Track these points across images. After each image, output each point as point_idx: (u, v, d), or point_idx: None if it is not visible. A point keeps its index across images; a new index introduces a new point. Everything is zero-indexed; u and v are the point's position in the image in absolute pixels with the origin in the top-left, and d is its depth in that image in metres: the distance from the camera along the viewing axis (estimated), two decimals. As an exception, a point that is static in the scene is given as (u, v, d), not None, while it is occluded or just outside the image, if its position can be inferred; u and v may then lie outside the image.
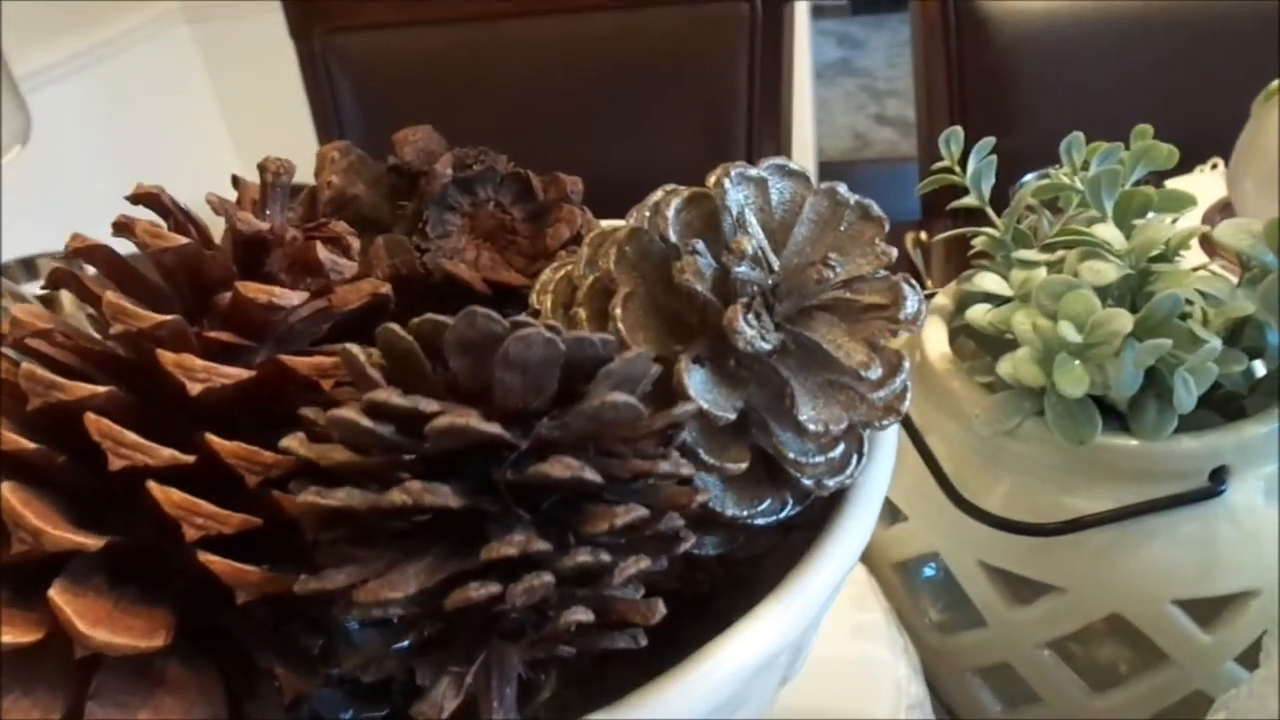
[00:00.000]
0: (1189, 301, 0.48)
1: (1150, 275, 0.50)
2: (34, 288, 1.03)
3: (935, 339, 0.56)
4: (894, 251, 0.30)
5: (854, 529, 0.31)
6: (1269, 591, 0.49)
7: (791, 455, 0.29)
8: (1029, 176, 0.87)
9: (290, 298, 0.28)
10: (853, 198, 0.30)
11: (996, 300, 0.54)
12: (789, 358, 0.29)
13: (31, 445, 0.25)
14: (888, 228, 0.31)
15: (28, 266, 0.97)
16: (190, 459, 0.26)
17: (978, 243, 0.58)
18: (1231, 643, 0.50)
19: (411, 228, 0.38)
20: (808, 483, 0.30)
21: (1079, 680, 0.53)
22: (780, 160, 0.31)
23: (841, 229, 0.30)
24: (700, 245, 0.29)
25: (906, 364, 0.29)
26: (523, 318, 0.24)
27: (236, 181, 0.32)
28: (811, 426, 0.28)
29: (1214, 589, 0.49)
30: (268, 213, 0.31)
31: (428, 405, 0.23)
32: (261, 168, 0.31)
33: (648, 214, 0.31)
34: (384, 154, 0.40)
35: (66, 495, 0.26)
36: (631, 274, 0.30)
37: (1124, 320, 0.45)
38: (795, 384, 0.29)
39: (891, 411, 0.30)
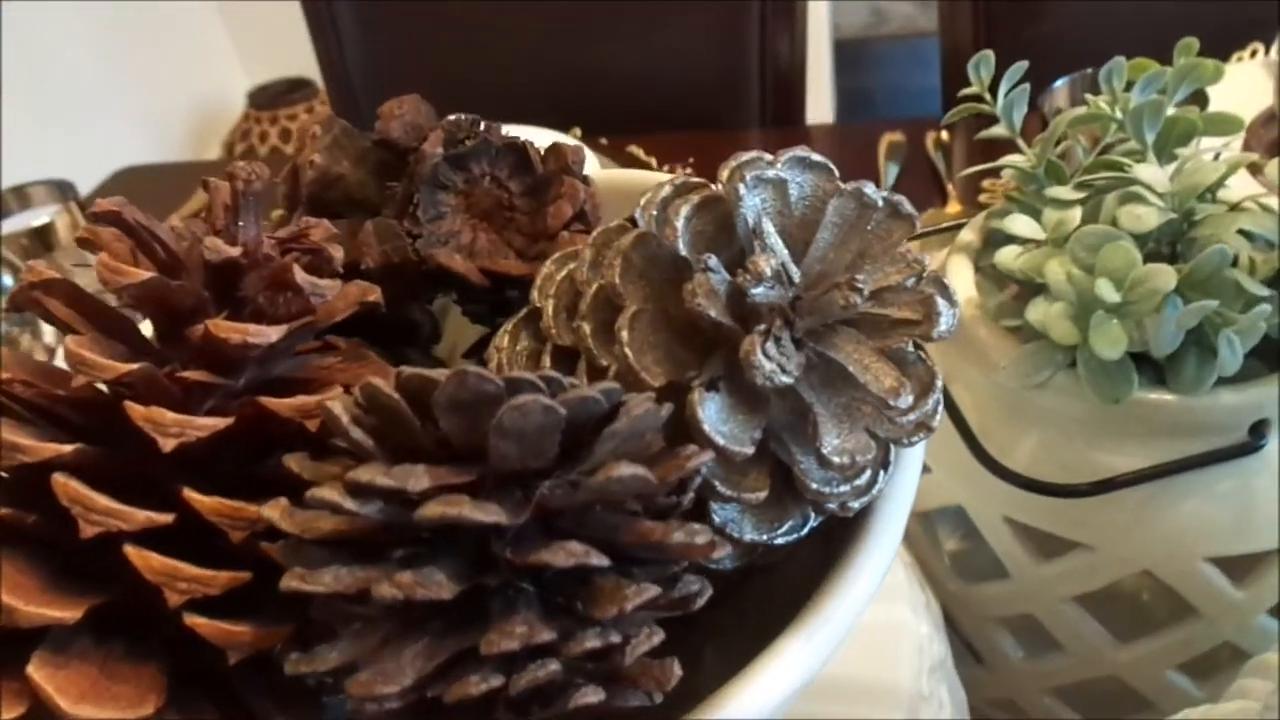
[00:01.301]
0: (1235, 250, 0.45)
1: (1193, 216, 0.47)
2: (27, 218, 1.00)
3: (961, 280, 0.53)
4: (926, 260, 0.27)
5: (878, 551, 0.29)
6: (1305, 546, 0.48)
7: (814, 485, 0.27)
8: (1060, 82, 0.83)
9: (266, 334, 0.25)
10: (880, 197, 0.27)
11: (1027, 241, 0.51)
12: (811, 374, 0.27)
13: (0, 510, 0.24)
14: (919, 225, 0.28)
15: (19, 196, 0.94)
16: (168, 518, 0.24)
17: (1006, 175, 0.55)
18: (1263, 597, 0.48)
19: (402, 210, 0.36)
20: (831, 506, 0.28)
21: (1104, 631, 0.52)
22: (800, 152, 0.29)
23: (868, 230, 0.28)
24: (713, 261, 0.26)
25: (940, 381, 0.27)
26: (519, 375, 0.22)
27: (207, 185, 0.29)
28: (836, 459, 0.26)
29: (1250, 546, 0.47)
30: (240, 224, 0.28)
31: (416, 483, 0.21)
32: (230, 175, 0.28)
33: (654, 214, 0.29)
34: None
35: (42, 558, 0.24)
36: (639, 285, 0.28)
37: (1166, 277, 0.42)
38: (818, 407, 0.26)
39: (922, 429, 0.27)
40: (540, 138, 1.13)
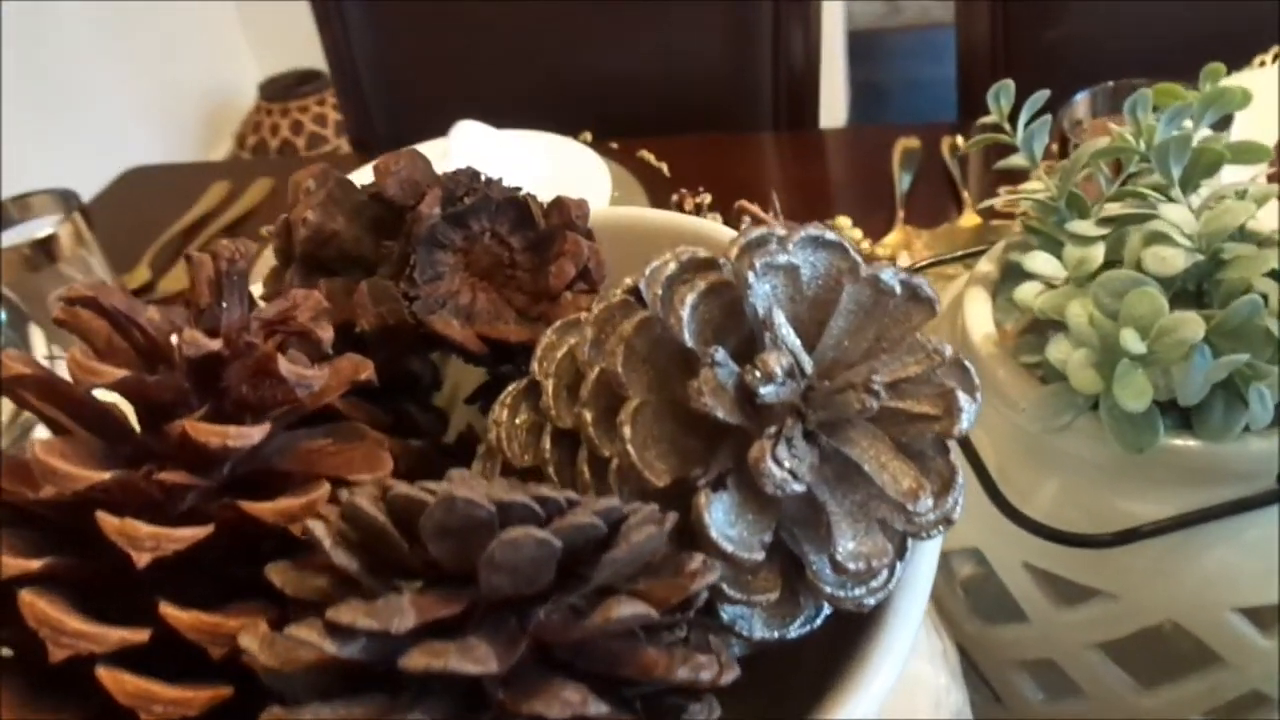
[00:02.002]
0: (1264, 294, 0.43)
1: (1220, 255, 0.45)
2: (30, 228, 0.99)
3: (979, 316, 0.51)
4: (946, 350, 0.25)
5: (896, 644, 0.28)
6: (1336, 596, 0.46)
7: (829, 589, 0.25)
8: (1080, 95, 0.80)
9: (248, 436, 0.24)
10: (898, 282, 0.26)
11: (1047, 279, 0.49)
12: (825, 468, 0.26)
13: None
14: (939, 310, 0.26)
15: (21, 205, 0.93)
16: (144, 636, 0.23)
17: (1025, 208, 0.53)
18: (1293, 647, 0.47)
19: (398, 270, 0.34)
20: (846, 607, 0.26)
21: (1127, 678, 0.50)
22: (814, 230, 0.27)
23: (885, 316, 0.26)
24: (720, 355, 0.25)
25: (960, 478, 0.26)
26: (513, 497, 0.21)
27: (190, 259, 0.28)
28: (850, 565, 0.24)
29: (1277, 595, 0.46)
30: (223, 305, 0.27)
31: (401, 622, 0.20)
32: (214, 254, 0.27)
33: (659, 294, 0.27)
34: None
35: (14, 674, 0.23)
36: (641, 372, 0.26)
37: (1195, 327, 0.40)
38: (831, 506, 0.25)
39: (943, 524, 0.26)
40: (549, 142, 1.11)
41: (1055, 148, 0.66)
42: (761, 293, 0.25)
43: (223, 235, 1.10)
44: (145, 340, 0.26)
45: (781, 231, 0.28)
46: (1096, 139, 0.51)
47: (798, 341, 0.25)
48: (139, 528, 0.23)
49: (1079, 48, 1.12)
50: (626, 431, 0.25)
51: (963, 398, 0.25)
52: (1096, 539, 0.45)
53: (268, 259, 1.02)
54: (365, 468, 0.27)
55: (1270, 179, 0.51)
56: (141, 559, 0.22)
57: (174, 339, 0.25)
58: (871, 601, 0.27)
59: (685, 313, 0.25)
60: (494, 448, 0.32)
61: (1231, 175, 0.51)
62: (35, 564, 0.22)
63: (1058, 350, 0.47)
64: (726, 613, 0.26)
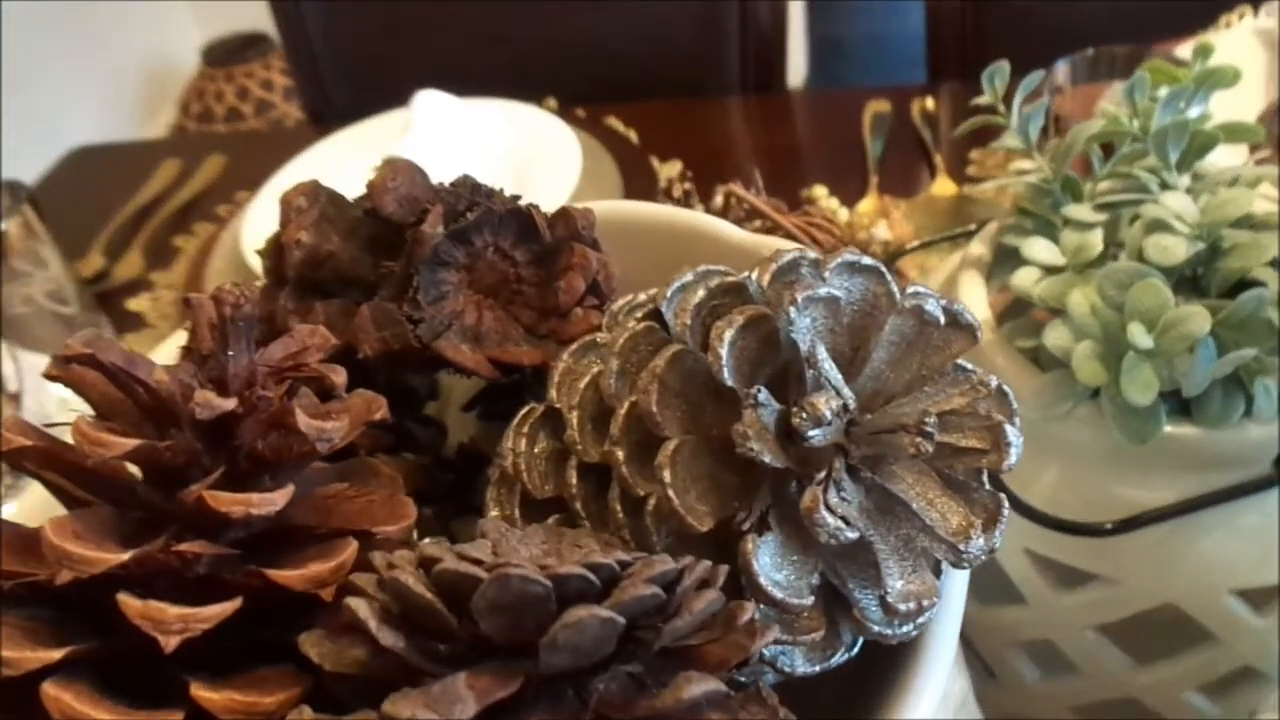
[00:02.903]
0: (1264, 283, 0.43)
1: (1219, 244, 0.45)
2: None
3: (974, 301, 0.51)
4: (992, 381, 0.25)
5: (935, 671, 0.27)
6: (1329, 574, 0.47)
7: (876, 628, 0.25)
8: (1060, 62, 0.80)
9: (272, 502, 0.23)
10: (941, 310, 0.25)
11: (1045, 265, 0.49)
12: (868, 501, 0.25)
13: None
14: (980, 337, 0.25)
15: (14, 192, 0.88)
16: (177, 718, 0.22)
17: (1017, 192, 0.53)
18: (1287, 624, 0.48)
19: (399, 292, 0.33)
20: (891, 643, 0.26)
21: (1124, 656, 0.51)
22: (849, 255, 0.26)
23: (927, 347, 0.25)
24: (763, 395, 0.24)
25: (1006, 509, 0.25)
26: (568, 570, 0.20)
27: (189, 303, 0.26)
28: (901, 606, 0.24)
29: (1274, 577, 0.46)
30: (230, 354, 0.25)
31: (462, 711, 0.19)
32: (217, 300, 0.25)
33: (688, 324, 0.26)
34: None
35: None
36: (675, 407, 0.26)
37: (1201, 321, 0.40)
38: (879, 545, 0.24)
39: (989, 554, 0.25)
40: (515, 111, 1.08)
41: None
42: (803, 327, 0.24)
43: (176, 218, 1.06)
44: (150, 398, 0.24)
45: (814, 255, 0.27)
46: (1090, 121, 0.50)
47: (839, 376, 0.24)
48: (165, 610, 0.21)
49: (1049, 5, 1.12)
50: (667, 475, 0.24)
51: (1011, 432, 0.24)
52: (1098, 528, 0.45)
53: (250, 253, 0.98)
54: (389, 518, 0.26)
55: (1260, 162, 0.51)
56: (169, 643, 0.21)
57: (180, 395, 0.24)
58: (915, 633, 0.26)
59: (725, 350, 0.24)
60: (510, 476, 0.31)
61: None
62: (57, 654, 0.21)
63: (1056, 337, 0.46)
64: (768, 651, 0.26)
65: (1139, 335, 0.40)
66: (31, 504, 0.38)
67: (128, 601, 0.21)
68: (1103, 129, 0.49)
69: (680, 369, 0.25)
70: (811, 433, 0.23)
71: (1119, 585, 0.47)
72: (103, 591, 0.22)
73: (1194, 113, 0.50)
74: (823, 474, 0.23)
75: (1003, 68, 0.51)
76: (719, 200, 0.78)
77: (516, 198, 0.35)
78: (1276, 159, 0.58)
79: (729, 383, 0.24)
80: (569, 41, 1.22)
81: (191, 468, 0.24)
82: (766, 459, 0.23)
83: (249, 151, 1.18)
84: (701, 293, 0.26)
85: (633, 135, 1.06)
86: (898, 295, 0.25)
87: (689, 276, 0.29)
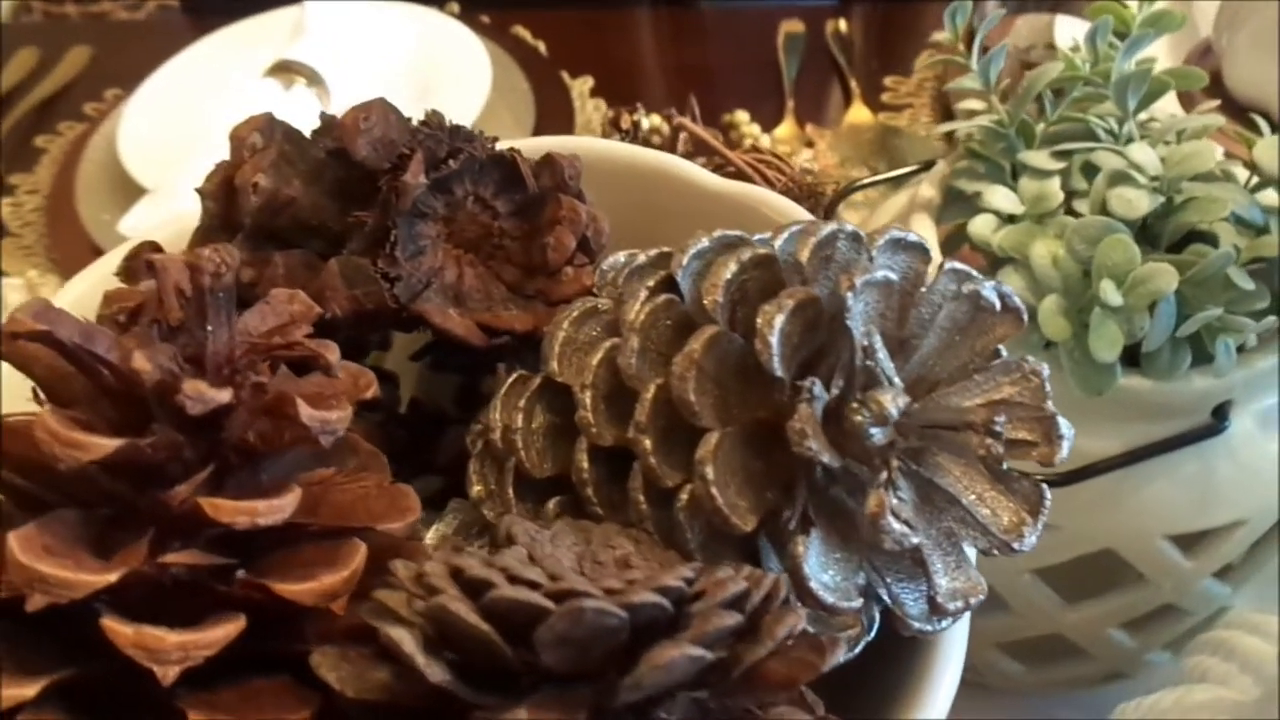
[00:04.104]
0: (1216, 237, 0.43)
1: (1178, 195, 0.45)
2: None
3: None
4: (1044, 370, 0.23)
5: (951, 666, 0.26)
6: (1256, 519, 0.49)
7: (916, 626, 0.24)
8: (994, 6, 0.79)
9: (281, 510, 0.20)
10: (996, 296, 0.24)
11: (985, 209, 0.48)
12: (916, 498, 0.24)
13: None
14: (1026, 319, 0.24)
15: None
16: (178, 759, 0.19)
17: (972, 131, 0.52)
18: (1210, 566, 0.50)
19: (372, 245, 0.29)
20: (926, 635, 0.25)
21: (1055, 596, 0.52)
22: (896, 232, 0.24)
23: (978, 334, 0.24)
24: (817, 388, 0.22)
25: (1048, 500, 0.24)
26: (642, 598, 0.18)
27: (153, 267, 0.22)
28: (951, 606, 0.23)
29: (1208, 523, 0.48)
30: (209, 329, 0.22)
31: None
32: (194, 267, 0.22)
33: (719, 301, 0.24)
34: None
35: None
36: (710, 394, 0.24)
37: (1169, 278, 0.40)
38: (927, 549, 0.23)
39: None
40: (416, 16, 1.01)
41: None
42: (858, 313, 0.22)
43: (36, 114, 0.97)
44: (118, 382, 0.21)
45: (851, 228, 0.25)
46: (1047, 65, 0.49)
47: (893, 366, 0.23)
48: (162, 639, 0.18)
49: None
50: (709, 472, 0.22)
51: (1063, 424, 0.23)
52: (1049, 480, 0.46)
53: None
54: (390, 511, 0.23)
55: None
56: (168, 674, 0.18)
57: (164, 384, 0.20)
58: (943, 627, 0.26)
59: (775, 339, 0.22)
60: (500, 450, 0.29)
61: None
62: (32, 689, 0.18)
63: (1010, 285, 0.46)
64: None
65: (1110, 292, 0.40)
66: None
67: (117, 629, 0.18)
68: (1060, 74, 0.49)
69: (716, 353, 0.23)
70: (874, 431, 0.21)
71: (1061, 530, 0.48)
72: (79, 610, 0.19)
73: (1138, 57, 0.50)
74: (884, 475, 0.22)
75: (965, 6, 0.49)
76: (630, 121, 0.75)
77: (494, 139, 0.32)
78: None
79: (778, 373, 0.22)
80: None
81: (171, 463, 0.21)
82: (825, 459, 0.21)
83: (116, 44, 1.08)
84: (733, 267, 0.24)
85: (541, 47, 1.01)
86: (962, 285, 0.24)
87: (705, 243, 0.27)
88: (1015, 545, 0.23)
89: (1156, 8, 0.50)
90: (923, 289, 0.24)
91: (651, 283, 0.27)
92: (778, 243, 0.26)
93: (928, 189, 0.53)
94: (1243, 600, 0.53)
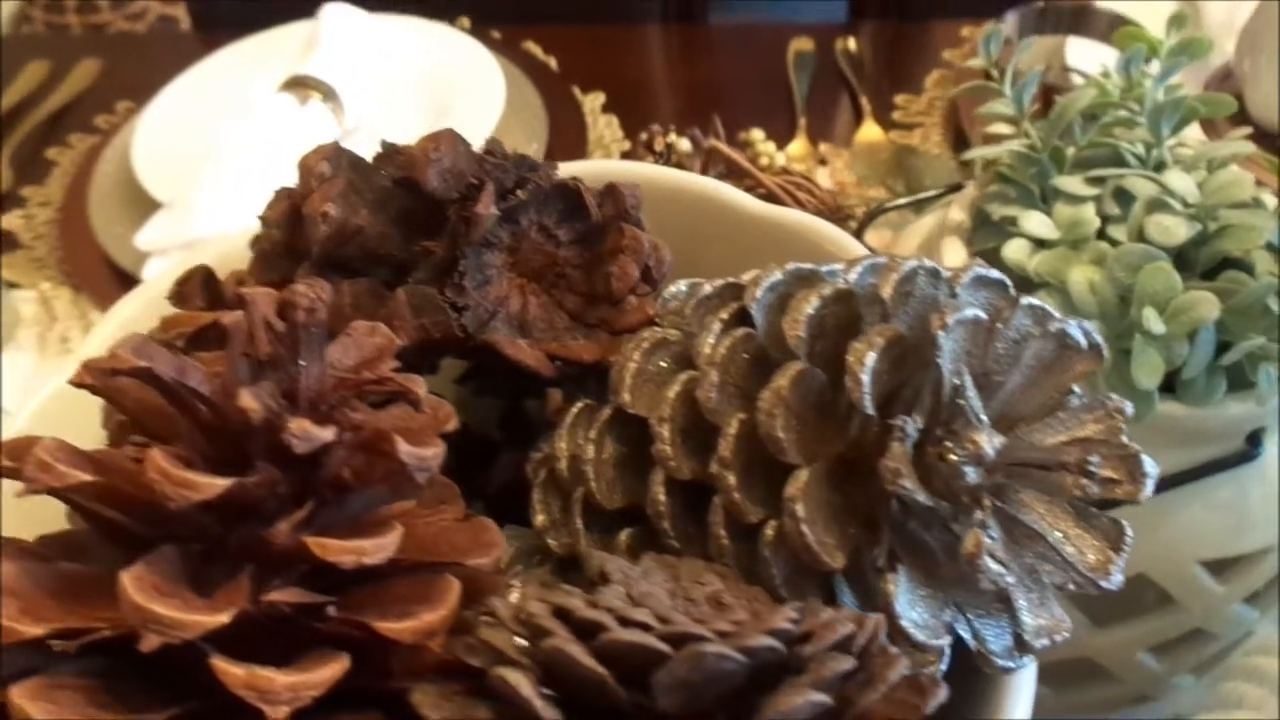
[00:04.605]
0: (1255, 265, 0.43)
1: (1214, 222, 0.45)
2: None
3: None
4: (1128, 408, 0.24)
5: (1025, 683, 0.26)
6: (1287, 542, 0.49)
7: (999, 662, 0.24)
8: (1009, 15, 0.79)
9: (385, 548, 0.20)
10: (1083, 336, 0.24)
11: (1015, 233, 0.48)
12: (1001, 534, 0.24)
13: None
14: (1107, 356, 0.24)
15: None
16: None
17: (1003, 156, 0.52)
18: (1242, 591, 0.50)
19: (438, 274, 0.30)
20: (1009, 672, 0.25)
21: (1084, 618, 0.52)
22: (978, 268, 0.24)
23: (1062, 371, 0.24)
24: (910, 427, 0.22)
25: (1129, 536, 0.24)
26: (757, 642, 0.18)
27: (243, 301, 0.22)
28: (1037, 644, 0.23)
29: (1241, 548, 0.48)
30: (301, 363, 0.22)
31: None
32: (288, 302, 0.22)
33: (802, 336, 0.24)
34: None
35: None
36: (795, 431, 0.24)
37: (1210, 307, 0.41)
38: (1013, 586, 0.23)
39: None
40: (430, 31, 1.02)
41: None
42: (949, 352, 0.22)
43: (47, 126, 0.97)
44: (214, 416, 0.21)
45: (930, 264, 0.25)
46: (1080, 91, 0.50)
47: (980, 403, 0.23)
48: (272, 679, 0.18)
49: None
50: (800, 509, 0.22)
51: (1147, 462, 0.23)
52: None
53: (112, 177, 0.90)
54: (475, 546, 0.23)
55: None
56: (278, 714, 0.18)
57: (249, 411, 0.20)
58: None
59: (867, 377, 0.22)
60: (566, 480, 0.29)
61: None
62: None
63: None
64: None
65: (1152, 320, 0.40)
66: None
67: (228, 670, 0.18)
68: (1093, 101, 0.49)
69: (803, 390, 0.23)
70: (969, 471, 0.21)
71: (1093, 555, 0.48)
72: (190, 657, 0.19)
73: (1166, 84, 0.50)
74: (978, 514, 0.22)
75: (998, 32, 0.50)
76: (664, 142, 0.75)
77: (551, 165, 0.32)
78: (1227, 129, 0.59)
79: (869, 411, 0.23)
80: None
81: (268, 500, 0.21)
82: (920, 498, 0.22)
83: (127, 56, 1.08)
84: (815, 302, 0.24)
85: (552, 62, 1.01)
86: (1050, 323, 0.24)
87: (778, 275, 0.27)
88: (1102, 583, 0.23)
89: (1186, 35, 0.51)
90: (1002, 325, 0.24)
91: (725, 315, 0.27)
92: (852, 276, 0.26)
93: (957, 212, 0.53)
94: (1268, 624, 0.54)
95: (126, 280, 0.79)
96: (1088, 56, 0.82)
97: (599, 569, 0.22)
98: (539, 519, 0.30)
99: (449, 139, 0.29)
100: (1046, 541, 0.23)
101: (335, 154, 0.30)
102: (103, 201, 0.85)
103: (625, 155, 0.92)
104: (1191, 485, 0.46)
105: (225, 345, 0.22)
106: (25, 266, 0.84)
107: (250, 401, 0.20)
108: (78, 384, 0.21)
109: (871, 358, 0.22)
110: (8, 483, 0.33)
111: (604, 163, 0.39)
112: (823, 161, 0.85)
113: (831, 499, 0.23)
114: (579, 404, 0.30)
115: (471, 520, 0.24)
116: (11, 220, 0.88)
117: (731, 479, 0.24)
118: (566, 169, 0.35)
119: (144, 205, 0.81)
